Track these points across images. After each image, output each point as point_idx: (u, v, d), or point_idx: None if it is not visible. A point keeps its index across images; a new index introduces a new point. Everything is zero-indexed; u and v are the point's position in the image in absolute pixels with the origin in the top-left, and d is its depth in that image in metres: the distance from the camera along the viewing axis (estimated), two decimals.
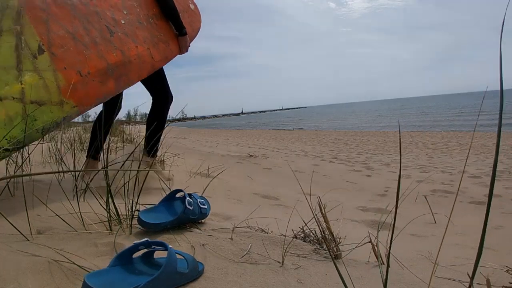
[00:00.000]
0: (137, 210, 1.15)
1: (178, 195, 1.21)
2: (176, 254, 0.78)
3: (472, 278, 0.46)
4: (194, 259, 0.83)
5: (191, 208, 1.12)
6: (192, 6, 2.18)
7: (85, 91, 1.40)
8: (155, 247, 0.79)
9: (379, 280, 0.89)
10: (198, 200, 1.19)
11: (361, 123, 23.79)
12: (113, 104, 1.92)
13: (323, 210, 1.06)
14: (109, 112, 1.96)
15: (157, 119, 2.03)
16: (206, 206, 1.22)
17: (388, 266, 0.59)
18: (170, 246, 0.78)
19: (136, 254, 0.80)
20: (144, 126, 2.16)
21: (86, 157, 1.96)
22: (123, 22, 1.66)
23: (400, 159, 0.49)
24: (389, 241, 0.73)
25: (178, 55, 1.98)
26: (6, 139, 1.16)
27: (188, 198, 1.14)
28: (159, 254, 0.85)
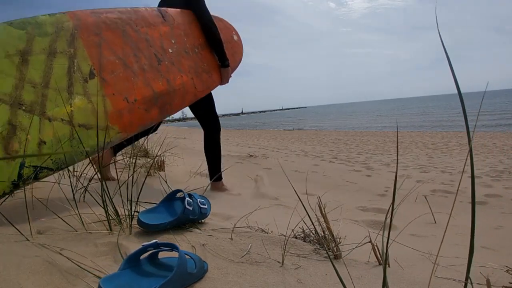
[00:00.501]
0: (137, 212, 1.15)
1: (178, 195, 1.20)
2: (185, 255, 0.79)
3: (467, 275, 0.46)
4: (201, 259, 0.84)
5: (190, 208, 1.12)
6: (235, 37, 2.24)
7: (130, 118, 1.41)
8: (164, 248, 0.79)
9: (379, 280, 0.89)
10: (198, 200, 1.19)
11: (361, 123, 23.78)
12: None
13: (323, 210, 1.06)
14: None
15: (213, 148, 2.16)
16: (206, 206, 1.21)
17: (387, 265, 0.59)
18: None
19: (142, 256, 0.80)
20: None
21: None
22: (170, 51, 1.69)
23: (397, 159, 0.49)
24: (390, 241, 0.73)
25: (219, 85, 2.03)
26: (51, 159, 1.19)
27: (187, 198, 1.13)
28: (163, 255, 0.86)
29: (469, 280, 0.46)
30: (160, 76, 1.57)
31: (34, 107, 1.18)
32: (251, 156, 6.05)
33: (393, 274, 0.93)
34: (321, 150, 8.05)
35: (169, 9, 1.81)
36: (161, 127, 2.27)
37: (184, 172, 2.85)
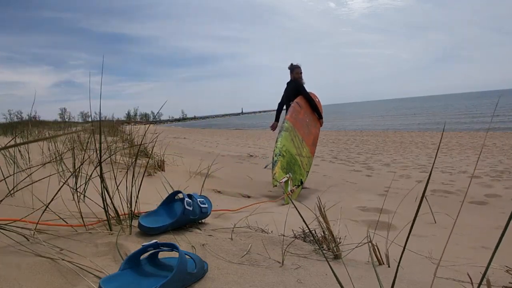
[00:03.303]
0: (137, 216, 1.15)
1: (177, 196, 1.20)
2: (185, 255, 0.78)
3: (481, 280, 0.46)
4: (201, 259, 0.84)
5: (190, 208, 1.11)
6: (317, 100, 4.08)
7: (312, 151, 3.67)
8: (164, 248, 0.79)
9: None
10: (198, 199, 1.19)
11: (361, 123, 23.78)
12: None
13: (322, 210, 1.06)
14: None
15: None
16: (206, 205, 1.21)
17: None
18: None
19: (142, 256, 0.80)
20: (144, 126, 2.33)
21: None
22: (307, 120, 3.77)
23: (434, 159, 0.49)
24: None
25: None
26: (307, 170, 3.43)
27: (187, 198, 1.13)
28: (163, 255, 0.85)
29: (470, 281, 0.46)
30: (310, 133, 3.76)
31: (300, 154, 3.34)
32: (251, 156, 6.05)
33: (393, 274, 0.93)
34: (321, 150, 8.05)
35: (297, 99, 3.70)
36: (161, 127, 2.28)
37: (184, 172, 2.85)
